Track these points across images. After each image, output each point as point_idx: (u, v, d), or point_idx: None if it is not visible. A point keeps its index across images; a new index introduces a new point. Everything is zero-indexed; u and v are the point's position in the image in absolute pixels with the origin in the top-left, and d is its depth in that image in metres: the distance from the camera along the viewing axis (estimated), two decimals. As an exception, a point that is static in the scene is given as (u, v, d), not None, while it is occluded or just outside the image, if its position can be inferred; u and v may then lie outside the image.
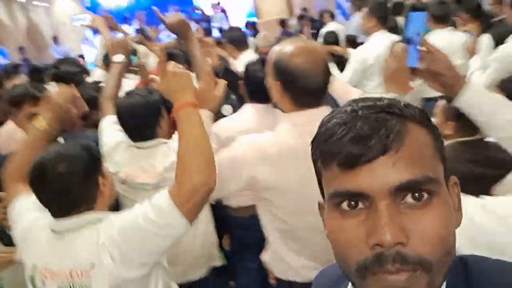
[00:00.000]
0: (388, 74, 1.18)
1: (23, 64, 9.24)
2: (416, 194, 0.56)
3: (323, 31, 7.91)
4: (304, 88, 1.31)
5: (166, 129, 1.91)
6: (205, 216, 1.99)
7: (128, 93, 1.93)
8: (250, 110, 2.05)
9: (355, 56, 3.31)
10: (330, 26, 7.88)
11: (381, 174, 0.56)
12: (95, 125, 2.18)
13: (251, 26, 9.62)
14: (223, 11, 13.00)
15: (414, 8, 1.16)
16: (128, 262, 1.21)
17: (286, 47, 1.34)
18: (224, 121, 2.08)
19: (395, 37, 3.41)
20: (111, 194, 1.38)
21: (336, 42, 3.79)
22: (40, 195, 1.28)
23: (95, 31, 10.55)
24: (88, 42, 11.80)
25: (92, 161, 1.31)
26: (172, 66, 1.33)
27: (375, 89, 3.14)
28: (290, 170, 1.35)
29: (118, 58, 2.29)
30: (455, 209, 0.62)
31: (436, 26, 3.29)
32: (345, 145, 0.57)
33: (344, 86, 1.71)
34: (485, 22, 3.59)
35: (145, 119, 1.83)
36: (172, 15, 1.86)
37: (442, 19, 3.28)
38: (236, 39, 4.24)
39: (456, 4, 4.75)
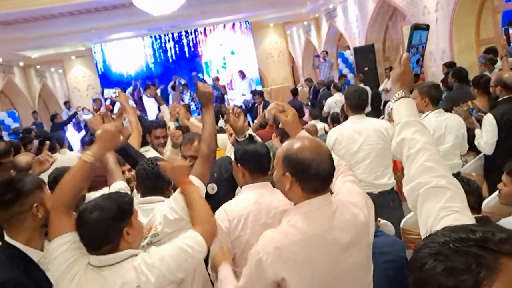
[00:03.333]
0: (396, 77, 1.41)
1: (34, 128, 9.44)
2: None
3: (330, 101, 8.23)
4: (315, 175, 1.47)
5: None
6: None
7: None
8: (250, 193, 2.06)
9: None
10: (336, 97, 8.16)
11: None
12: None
13: (259, 94, 9.95)
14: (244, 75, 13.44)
15: (417, 27, 1.39)
16: (163, 281, 1.59)
17: (294, 144, 1.53)
18: (229, 205, 2.06)
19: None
20: (136, 242, 1.67)
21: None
22: (79, 234, 1.62)
23: (94, 101, 11.12)
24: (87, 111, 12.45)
25: (119, 214, 1.61)
26: (177, 160, 1.94)
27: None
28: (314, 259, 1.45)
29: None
30: None
31: (429, 108, 3.46)
32: (437, 277, 0.58)
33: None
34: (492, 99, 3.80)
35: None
36: (204, 86, 2.26)
37: (437, 100, 3.48)
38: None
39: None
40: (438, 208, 1.13)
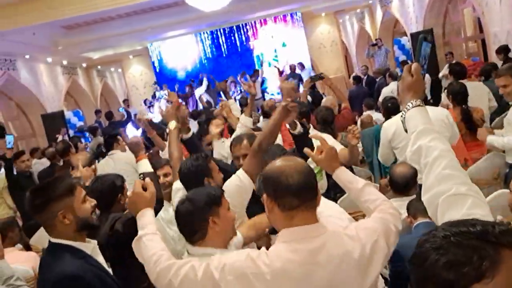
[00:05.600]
0: (408, 85, 1.38)
1: (97, 126, 9.95)
2: None
3: (386, 90, 7.95)
4: (286, 188, 1.37)
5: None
6: None
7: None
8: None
9: None
10: (391, 86, 7.86)
11: None
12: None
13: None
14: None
15: (425, 39, 1.47)
16: None
17: (272, 164, 1.47)
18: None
19: None
20: (225, 233, 1.78)
21: (396, 108, 3.71)
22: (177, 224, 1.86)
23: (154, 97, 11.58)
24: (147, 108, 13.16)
25: (206, 205, 1.76)
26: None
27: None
28: None
29: (172, 125, 2.73)
30: None
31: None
32: (439, 270, 0.59)
33: (348, 176, 1.70)
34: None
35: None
36: (288, 83, 2.44)
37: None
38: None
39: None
40: (460, 216, 1.09)
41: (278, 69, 13.47)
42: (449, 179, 1.19)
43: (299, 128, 2.59)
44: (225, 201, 1.85)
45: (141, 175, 2.55)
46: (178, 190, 2.46)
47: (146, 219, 1.73)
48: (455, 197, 1.15)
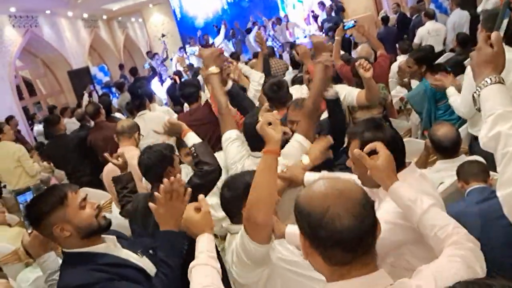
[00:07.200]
0: (488, 58, 1.21)
1: (123, 81, 9.89)
2: None
3: (421, 31, 7.44)
4: (330, 236, 0.97)
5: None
6: None
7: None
8: None
9: None
10: (427, 26, 7.35)
11: None
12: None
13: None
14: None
15: (509, 5, 1.27)
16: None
17: (307, 189, 1.07)
18: None
19: None
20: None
21: (433, 56, 3.43)
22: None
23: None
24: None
25: (243, 194, 1.68)
26: None
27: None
28: None
29: (214, 69, 2.55)
30: None
31: None
32: None
33: (410, 193, 1.34)
34: None
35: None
36: (316, 37, 2.33)
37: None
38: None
39: None
40: None
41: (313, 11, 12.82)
42: None
43: (332, 92, 2.40)
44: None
45: (192, 148, 2.42)
46: (235, 140, 2.47)
47: (199, 246, 1.51)
48: None
